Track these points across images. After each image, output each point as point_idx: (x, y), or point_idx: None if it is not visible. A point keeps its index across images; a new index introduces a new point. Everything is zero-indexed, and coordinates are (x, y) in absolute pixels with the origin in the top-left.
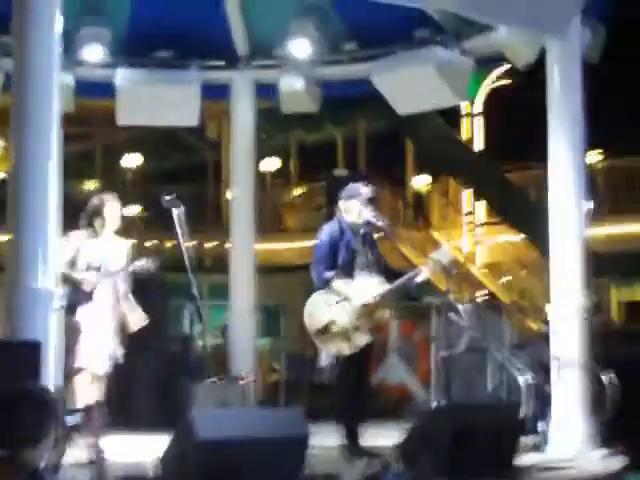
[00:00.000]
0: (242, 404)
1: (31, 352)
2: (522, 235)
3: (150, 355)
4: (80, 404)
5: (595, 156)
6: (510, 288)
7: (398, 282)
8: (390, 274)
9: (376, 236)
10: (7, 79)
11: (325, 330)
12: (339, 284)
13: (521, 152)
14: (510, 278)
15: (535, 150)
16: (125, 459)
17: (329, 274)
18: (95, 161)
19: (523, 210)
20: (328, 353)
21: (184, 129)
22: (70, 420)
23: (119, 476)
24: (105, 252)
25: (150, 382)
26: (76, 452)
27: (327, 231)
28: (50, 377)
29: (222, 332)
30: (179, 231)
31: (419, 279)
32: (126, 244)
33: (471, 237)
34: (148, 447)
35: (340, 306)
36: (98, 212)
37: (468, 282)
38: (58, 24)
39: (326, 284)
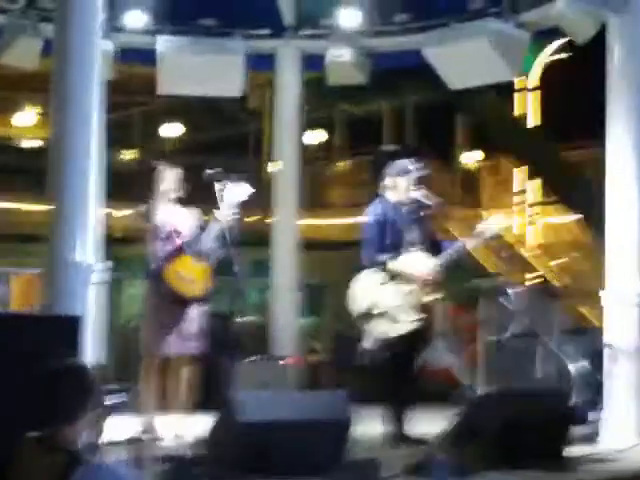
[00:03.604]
0: (283, 385)
1: (70, 327)
2: (576, 216)
3: None
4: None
5: None
6: (563, 271)
7: (445, 256)
8: (439, 249)
9: (423, 213)
10: (46, 45)
11: (370, 311)
12: (392, 264)
13: (578, 130)
14: (563, 261)
15: (592, 129)
16: (165, 438)
17: (382, 257)
18: (134, 130)
19: (579, 190)
20: (373, 335)
21: (225, 99)
22: (111, 398)
23: (159, 455)
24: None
25: None
26: (115, 431)
27: (373, 212)
28: (89, 353)
29: (262, 311)
30: (219, 200)
31: (466, 249)
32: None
33: (522, 217)
34: (188, 426)
35: (386, 286)
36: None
37: (518, 265)
38: None
39: (380, 267)
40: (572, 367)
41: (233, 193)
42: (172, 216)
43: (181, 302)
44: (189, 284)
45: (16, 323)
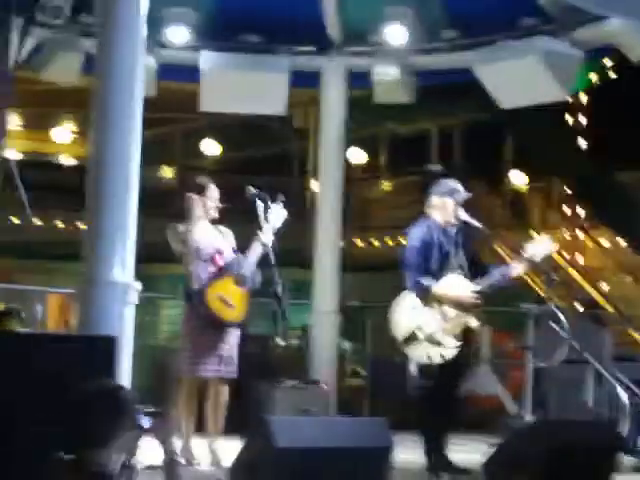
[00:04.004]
0: (322, 410)
1: (106, 348)
2: (627, 240)
3: None
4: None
5: None
6: (613, 296)
7: (490, 280)
8: (485, 272)
9: (470, 236)
10: (87, 60)
11: (412, 336)
12: (437, 288)
13: (628, 151)
14: (612, 286)
15: None
16: (201, 462)
17: (426, 281)
18: (173, 147)
19: (630, 212)
20: (416, 360)
21: (268, 117)
22: (144, 421)
23: None
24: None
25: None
26: (149, 454)
27: (417, 234)
28: (125, 375)
29: (302, 333)
30: (262, 222)
31: (513, 274)
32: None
33: (573, 240)
34: (222, 451)
35: (429, 310)
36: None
37: (568, 289)
38: (144, 3)
39: (425, 292)
40: (623, 395)
41: (278, 215)
42: (212, 237)
43: (220, 326)
44: (230, 309)
45: (51, 343)
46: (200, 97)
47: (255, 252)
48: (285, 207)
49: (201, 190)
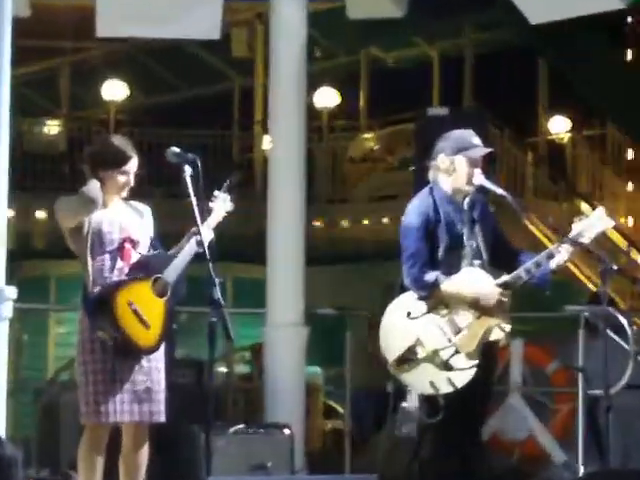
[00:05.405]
0: (283, 465)
1: None
2: None
3: None
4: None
5: None
6: None
7: (522, 270)
8: (514, 261)
9: (493, 209)
10: None
11: (409, 355)
12: (446, 286)
13: None
14: None
15: None
16: None
17: (431, 276)
18: (59, 91)
19: None
20: (415, 390)
21: (195, 44)
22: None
23: None
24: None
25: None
26: None
27: (417, 209)
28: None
29: (254, 356)
30: (193, 200)
31: (554, 264)
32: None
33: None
34: None
35: (434, 318)
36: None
37: (634, 282)
38: None
39: (429, 290)
40: None
41: (222, 205)
42: (122, 217)
43: (132, 352)
44: (144, 329)
45: None
46: (96, 18)
47: (188, 254)
48: (230, 190)
49: (120, 162)
